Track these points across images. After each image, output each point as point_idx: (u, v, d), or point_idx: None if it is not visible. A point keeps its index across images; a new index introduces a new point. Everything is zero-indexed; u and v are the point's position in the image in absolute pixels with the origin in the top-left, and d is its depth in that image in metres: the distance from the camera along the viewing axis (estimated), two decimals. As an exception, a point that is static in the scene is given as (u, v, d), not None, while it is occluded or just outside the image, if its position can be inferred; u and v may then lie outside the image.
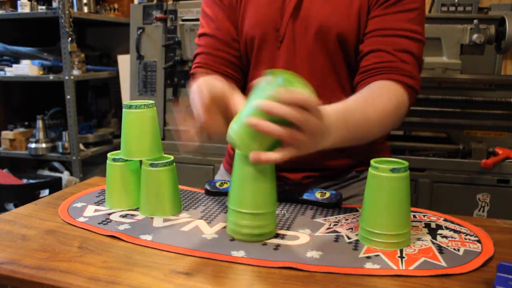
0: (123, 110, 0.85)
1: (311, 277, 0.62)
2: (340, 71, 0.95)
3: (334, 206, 0.88)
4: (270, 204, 0.72)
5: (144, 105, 0.84)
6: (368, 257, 0.67)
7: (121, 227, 0.78)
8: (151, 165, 0.82)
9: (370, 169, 0.71)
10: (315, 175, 1.01)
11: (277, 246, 0.71)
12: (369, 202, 0.71)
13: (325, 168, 1.00)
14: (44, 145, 2.47)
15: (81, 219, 0.82)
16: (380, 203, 0.70)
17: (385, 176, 0.69)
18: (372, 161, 0.71)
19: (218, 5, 0.99)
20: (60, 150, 2.47)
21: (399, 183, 0.69)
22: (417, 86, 0.89)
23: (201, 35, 1.01)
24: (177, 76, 2.12)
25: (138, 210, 0.87)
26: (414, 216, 0.84)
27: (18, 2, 2.39)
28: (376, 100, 0.82)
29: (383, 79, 0.86)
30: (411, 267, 0.64)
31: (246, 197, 0.71)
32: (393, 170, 0.68)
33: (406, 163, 0.70)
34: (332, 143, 0.70)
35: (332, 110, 0.71)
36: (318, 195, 0.90)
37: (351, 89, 0.93)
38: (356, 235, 0.75)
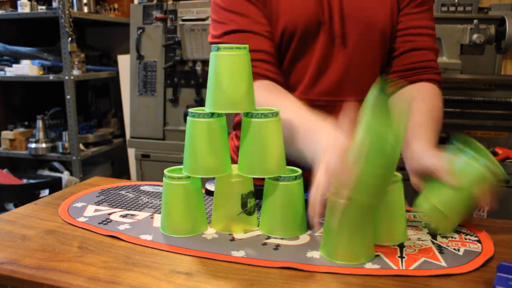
0: (188, 118, 0.74)
1: (311, 277, 0.62)
2: (377, 64, 0.99)
3: None
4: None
5: (213, 113, 0.73)
6: (368, 257, 0.67)
7: (122, 227, 0.78)
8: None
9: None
10: None
11: (277, 246, 0.71)
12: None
13: None
14: (44, 145, 2.47)
15: (81, 219, 0.82)
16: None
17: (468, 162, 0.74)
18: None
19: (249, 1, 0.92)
20: (60, 150, 2.47)
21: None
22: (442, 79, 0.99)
23: (228, 32, 0.92)
24: (177, 76, 2.12)
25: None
26: (414, 216, 0.84)
27: (18, 2, 2.39)
28: (428, 109, 0.89)
29: (423, 80, 0.95)
30: (411, 267, 0.64)
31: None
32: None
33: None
34: None
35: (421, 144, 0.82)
36: None
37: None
38: (356, 235, 0.75)
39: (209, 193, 0.96)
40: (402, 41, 0.97)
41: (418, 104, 0.90)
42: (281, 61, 0.96)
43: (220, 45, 0.72)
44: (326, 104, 0.93)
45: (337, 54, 0.93)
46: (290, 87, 0.94)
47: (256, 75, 0.88)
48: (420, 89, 0.95)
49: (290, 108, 0.82)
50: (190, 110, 0.75)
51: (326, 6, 0.92)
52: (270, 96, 0.87)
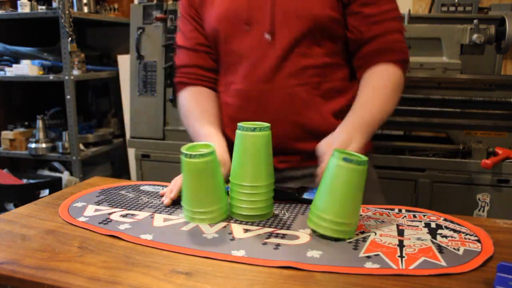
0: (238, 132, 0.80)
1: (311, 277, 0.62)
2: (315, 52, 0.99)
3: None
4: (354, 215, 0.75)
5: (260, 128, 0.80)
6: (368, 257, 0.67)
7: (122, 227, 0.78)
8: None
9: (331, 157, 0.74)
10: (290, 159, 1.03)
11: (277, 246, 0.71)
12: (320, 186, 0.75)
13: (296, 151, 1.02)
14: (44, 145, 2.47)
15: (82, 219, 0.82)
16: (328, 188, 0.73)
17: (337, 164, 0.72)
18: (334, 150, 0.74)
19: (186, 18, 1.09)
20: (60, 150, 2.47)
21: (350, 173, 0.71)
22: (408, 56, 1.02)
23: (177, 46, 1.12)
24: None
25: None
26: (414, 216, 0.84)
27: (18, 2, 2.39)
28: (373, 90, 0.95)
29: (380, 62, 0.98)
30: (411, 267, 0.64)
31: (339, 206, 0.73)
32: (345, 159, 0.71)
33: (365, 159, 0.73)
34: (358, 147, 0.84)
35: (348, 124, 0.89)
36: None
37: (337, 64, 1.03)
38: (357, 234, 0.75)
39: None
40: (367, 30, 0.99)
41: (362, 88, 0.97)
42: (218, 60, 1.08)
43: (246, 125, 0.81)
44: (260, 93, 0.99)
45: (268, 48, 0.98)
46: (228, 82, 1.05)
47: (182, 84, 1.09)
48: (371, 72, 0.99)
49: (201, 120, 1.00)
50: (239, 124, 0.81)
51: (254, 4, 0.98)
52: (189, 104, 1.05)
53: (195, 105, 1.05)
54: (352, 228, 0.75)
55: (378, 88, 0.96)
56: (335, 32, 1.00)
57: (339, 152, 0.73)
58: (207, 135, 0.95)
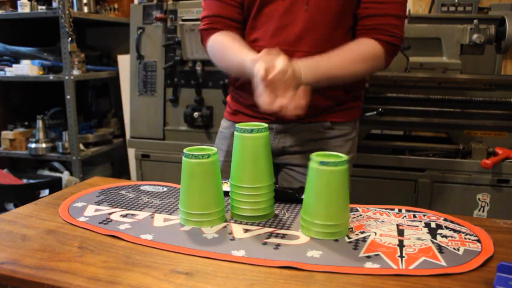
0: (236, 133, 0.81)
1: (311, 277, 0.62)
2: (337, 23, 1.08)
3: None
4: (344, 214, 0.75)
5: (258, 129, 0.81)
6: (368, 257, 0.67)
7: (122, 227, 0.78)
8: None
9: (309, 162, 0.75)
10: (333, 95, 1.12)
11: (277, 246, 0.71)
12: (307, 193, 0.75)
13: (308, 104, 1.08)
14: (44, 145, 2.47)
15: (82, 219, 0.82)
16: (315, 194, 0.74)
17: (315, 168, 0.73)
18: (311, 155, 0.75)
19: None
20: (60, 150, 2.47)
21: (329, 175, 0.72)
22: (399, 41, 1.07)
23: (203, 17, 1.16)
24: (177, 76, 2.12)
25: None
26: (414, 216, 0.84)
27: (18, 2, 2.39)
28: (343, 51, 1.03)
29: (370, 37, 1.06)
30: (411, 267, 0.64)
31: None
32: (322, 163, 0.72)
33: (343, 158, 0.73)
34: (305, 82, 0.91)
35: (302, 62, 0.96)
36: None
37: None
38: (357, 234, 0.75)
39: None
40: (367, 7, 1.07)
41: (336, 51, 1.04)
42: (247, 19, 1.15)
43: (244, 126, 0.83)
44: (286, 53, 1.03)
45: (298, 13, 1.07)
46: (254, 39, 1.13)
47: (212, 30, 1.14)
48: (355, 41, 1.07)
49: (235, 47, 1.07)
50: (237, 125, 0.82)
51: None
52: (228, 40, 1.10)
53: (232, 42, 1.09)
54: (344, 227, 0.75)
55: (350, 50, 1.04)
56: (355, 10, 1.09)
57: (316, 156, 0.74)
58: (255, 59, 0.93)
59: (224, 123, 1.28)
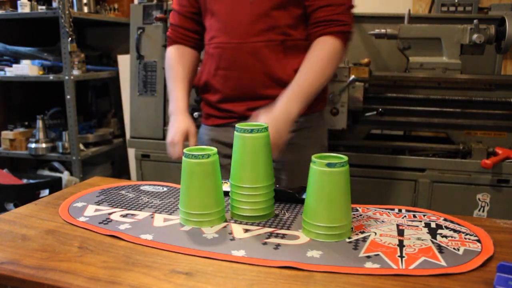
0: (236, 133, 0.82)
1: (311, 277, 0.62)
2: (279, 13, 1.16)
3: None
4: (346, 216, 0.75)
5: (258, 129, 0.81)
6: (368, 257, 0.67)
7: (122, 227, 0.78)
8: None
9: (311, 164, 0.75)
10: (258, 106, 1.15)
11: (277, 246, 0.71)
12: (308, 194, 0.75)
13: (263, 96, 1.19)
14: (44, 145, 2.47)
15: (82, 219, 0.82)
16: (317, 196, 0.74)
17: (321, 170, 0.72)
18: (313, 156, 0.75)
19: None
20: (60, 150, 2.47)
21: (335, 177, 0.72)
22: (350, 28, 1.17)
23: (173, 8, 1.34)
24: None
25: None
26: (414, 216, 0.84)
27: (18, 2, 2.39)
28: (311, 62, 1.12)
29: (322, 34, 1.14)
30: (411, 267, 0.64)
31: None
32: (328, 165, 0.71)
33: (346, 159, 0.73)
34: (295, 113, 1.05)
35: (287, 96, 1.07)
36: None
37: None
38: (357, 234, 0.75)
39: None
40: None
41: (303, 61, 1.13)
42: (204, 20, 1.28)
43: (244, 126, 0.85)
44: (234, 46, 1.19)
45: (244, 8, 1.17)
46: (211, 36, 1.24)
47: (171, 39, 1.33)
48: (314, 44, 1.15)
49: (175, 84, 1.25)
50: (237, 125, 0.83)
51: None
52: (172, 61, 1.30)
53: (177, 63, 1.29)
54: (347, 229, 0.75)
55: (315, 60, 1.12)
56: (303, 1, 1.17)
57: (320, 159, 0.73)
58: (178, 104, 1.20)
59: (201, 130, 1.35)
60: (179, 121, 1.15)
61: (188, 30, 1.32)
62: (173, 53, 1.32)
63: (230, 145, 1.23)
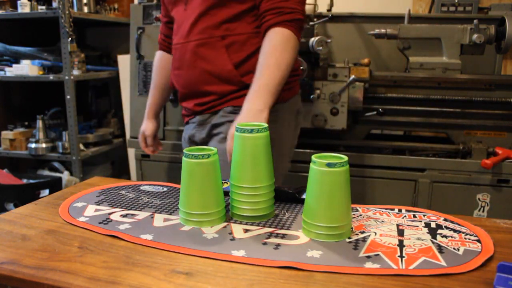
0: (236, 133, 0.82)
1: (311, 277, 0.62)
2: (219, 12, 1.21)
3: None
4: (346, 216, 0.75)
5: (258, 129, 0.81)
6: (368, 257, 0.67)
7: (122, 227, 0.78)
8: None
9: (311, 164, 0.74)
10: (203, 101, 1.26)
11: (277, 246, 0.71)
12: (308, 194, 0.75)
13: (206, 92, 1.25)
14: (44, 145, 2.47)
15: (82, 219, 0.82)
16: (317, 196, 0.73)
17: (320, 170, 0.72)
18: (313, 156, 0.75)
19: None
20: (60, 150, 2.47)
21: (335, 177, 0.72)
22: (300, 15, 1.16)
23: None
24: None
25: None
26: (414, 216, 0.84)
27: (18, 2, 2.39)
28: (266, 57, 1.13)
29: (273, 25, 1.15)
30: (411, 267, 0.64)
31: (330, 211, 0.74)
32: (328, 165, 0.71)
33: (346, 158, 0.73)
34: (262, 113, 1.07)
35: (251, 98, 1.10)
36: None
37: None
38: (357, 234, 0.75)
39: None
40: None
41: (259, 57, 1.15)
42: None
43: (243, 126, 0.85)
44: (181, 46, 1.27)
45: (186, 14, 1.25)
46: (173, 39, 1.34)
47: (159, 44, 1.53)
48: (265, 38, 1.16)
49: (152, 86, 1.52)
50: (236, 125, 0.83)
51: None
52: (153, 68, 1.53)
53: (158, 69, 1.50)
54: (347, 229, 0.75)
55: (269, 53, 1.13)
56: None
57: (320, 159, 0.73)
58: (148, 110, 1.53)
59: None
60: (143, 124, 1.53)
61: (167, 37, 1.47)
62: (156, 60, 1.52)
63: (194, 142, 1.37)
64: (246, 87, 1.19)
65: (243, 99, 1.17)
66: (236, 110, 1.20)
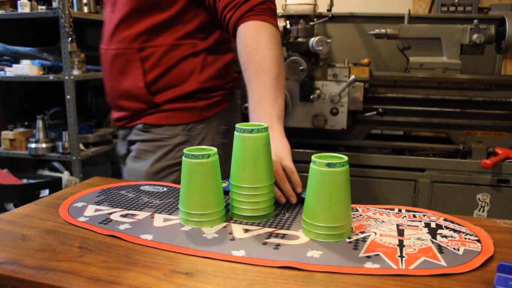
0: (236, 133, 0.81)
1: (311, 277, 0.62)
2: (142, 16, 1.10)
3: None
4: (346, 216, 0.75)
5: (258, 129, 0.80)
6: (368, 257, 0.67)
7: (122, 227, 0.78)
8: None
9: (311, 164, 0.74)
10: (119, 116, 1.22)
11: (277, 246, 0.71)
12: (308, 194, 0.75)
13: (120, 107, 1.21)
14: (44, 145, 2.47)
15: (82, 219, 0.82)
16: (317, 196, 0.73)
17: (320, 170, 0.72)
18: (313, 156, 0.75)
19: None
20: (60, 150, 2.47)
21: (336, 176, 0.72)
22: (272, 3, 1.02)
23: None
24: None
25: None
26: (414, 216, 0.84)
27: (18, 2, 2.39)
28: (249, 64, 0.98)
29: (239, 21, 1.00)
30: (411, 267, 0.64)
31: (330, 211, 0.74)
32: (328, 165, 0.71)
33: (346, 158, 0.73)
34: (270, 124, 0.91)
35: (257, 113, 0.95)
36: None
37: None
38: (357, 234, 0.75)
39: None
40: None
41: (244, 74, 1.00)
42: None
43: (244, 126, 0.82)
44: (103, 51, 1.19)
45: (111, 18, 1.16)
46: None
47: None
48: (238, 47, 1.01)
49: None
50: (237, 125, 0.82)
51: None
52: None
53: None
54: (347, 229, 0.75)
55: (248, 61, 0.98)
56: (164, 4, 1.08)
57: (320, 159, 0.73)
58: None
59: None
60: None
61: None
62: None
63: (120, 156, 1.29)
64: (157, 105, 1.13)
65: (156, 116, 1.13)
66: (147, 128, 1.15)
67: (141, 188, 1.02)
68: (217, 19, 1.09)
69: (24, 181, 2.45)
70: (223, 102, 1.19)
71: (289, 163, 0.89)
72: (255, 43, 0.98)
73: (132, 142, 1.21)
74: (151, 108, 1.14)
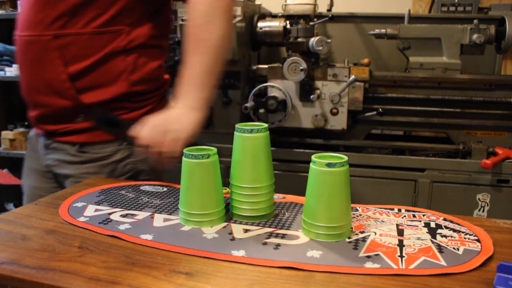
0: (236, 133, 0.81)
1: (311, 277, 0.62)
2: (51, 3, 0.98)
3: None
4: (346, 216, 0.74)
5: (258, 129, 0.80)
6: (368, 257, 0.67)
7: (122, 227, 0.78)
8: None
9: (311, 164, 0.74)
10: (43, 113, 1.06)
11: (277, 246, 0.71)
12: (308, 194, 0.75)
13: (40, 104, 1.05)
14: (44, 145, 2.47)
15: (82, 219, 0.82)
16: (317, 196, 0.73)
17: (320, 170, 0.72)
18: (312, 156, 0.74)
19: None
20: (60, 150, 2.47)
21: (336, 176, 0.72)
22: None
23: None
24: (177, 76, 2.11)
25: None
26: (414, 216, 0.84)
27: (18, 2, 2.39)
28: (191, 38, 0.95)
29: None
30: (411, 266, 0.64)
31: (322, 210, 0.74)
32: (328, 165, 0.71)
33: (345, 158, 0.73)
34: (188, 109, 0.93)
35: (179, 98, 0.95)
36: None
37: None
38: (357, 234, 0.75)
39: None
40: None
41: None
42: None
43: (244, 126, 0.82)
44: (16, 38, 1.08)
45: None
46: None
47: None
48: (187, 11, 0.97)
49: None
50: (237, 125, 0.81)
51: None
52: None
53: None
54: (347, 228, 0.75)
55: (190, 34, 0.95)
56: None
57: (320, 159, 0.73)
58: None
59: None
60: None
61: None
62: None
63: (49, 172, 1.11)
64: (84, 108, 1.00)
65: (89, 135, 1.03)
66: (84, 148, 1.05)
67: (141, 188, 1.02)
68: (145, 3, 1.00)
69: (24, 181, 2.45)
70: (155, 110, 1.11)
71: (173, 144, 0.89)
72: (196, 26, 0.95)
73: (66, 163, 1.07)
74: (79, 113, 1.03)
